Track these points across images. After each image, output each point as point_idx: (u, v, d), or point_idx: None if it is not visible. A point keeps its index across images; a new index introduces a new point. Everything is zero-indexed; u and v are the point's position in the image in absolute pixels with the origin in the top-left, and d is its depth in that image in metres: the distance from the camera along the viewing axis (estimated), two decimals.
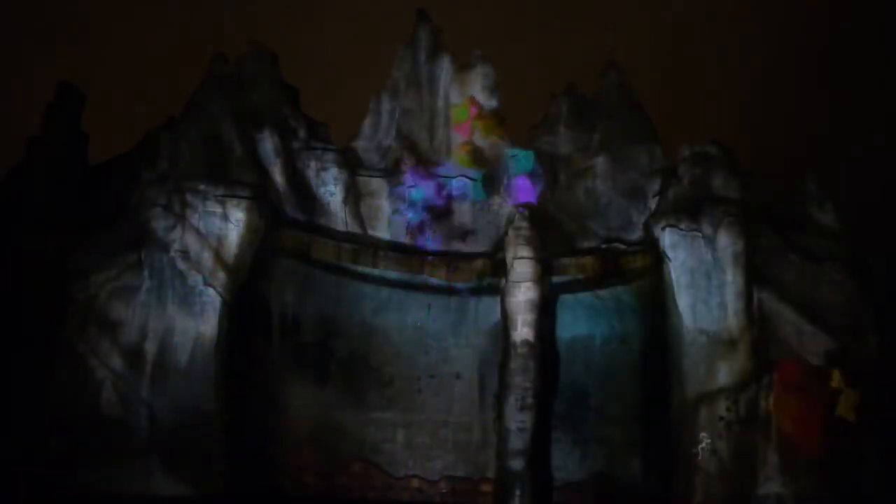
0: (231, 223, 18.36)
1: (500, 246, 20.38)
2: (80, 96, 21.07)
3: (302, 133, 21.04)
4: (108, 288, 17.61)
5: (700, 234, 18.61)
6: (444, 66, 22.62)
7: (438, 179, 21.42)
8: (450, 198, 21.27)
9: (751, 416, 17.12)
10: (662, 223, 19.22)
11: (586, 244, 20.92)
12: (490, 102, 22.35)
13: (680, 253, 18.69)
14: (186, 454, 16.88)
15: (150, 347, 17.40)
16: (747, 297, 18.08)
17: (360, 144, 21.95)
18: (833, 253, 18.80)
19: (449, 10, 28.10)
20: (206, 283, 17.83)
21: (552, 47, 45.24)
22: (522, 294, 19.13)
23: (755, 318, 18.02)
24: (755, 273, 18.22)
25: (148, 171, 19.37)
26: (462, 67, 22.72)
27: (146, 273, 17.77)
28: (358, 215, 20.89)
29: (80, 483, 16.07)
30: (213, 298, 17.82)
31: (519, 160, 21.01)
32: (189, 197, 18.41)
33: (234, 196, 18.51)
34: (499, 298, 19.90)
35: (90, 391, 16.88)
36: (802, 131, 39.45)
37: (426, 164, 21.59)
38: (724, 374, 17.68)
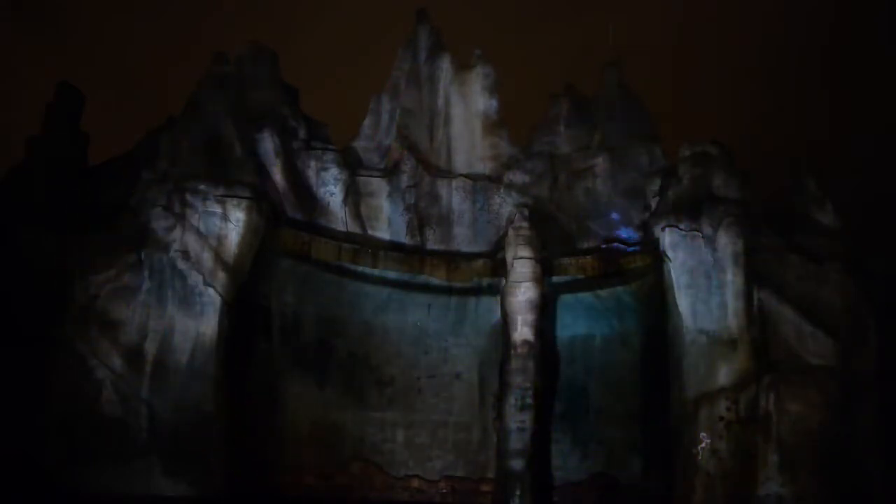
0: (231, 223, 18.33)
1: (500, 246, 20.39)
2: (79, 96, 21.06)
3: (302, 133, 21.03)
4: (108, 288, 17.56)
5: (700, 234, 18.56)
6: (444, 66, 22.64)
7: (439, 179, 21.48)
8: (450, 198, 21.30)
9: (751, 416, 17.10)
10: (662, 223, 19.19)
11: (586, 244, 20.92)
12: (490, 102, 22.38)
13: (680, 253, 18.66)
14: (186, 454, 16.85)
15: (150, 347, 17.37)
16: (747, 297, 18.03)
17: (360, 144, 21.96)
18: (833, 253, 18.75)
19: (449, 10, 28.10)
20: (206, 283, 17.80)
21: (552, 46, 45.26)
22: (522, 294, 19.13)
23: (755, 318, 17.95)
24: (755, 273, 18.17)
25: (148, 171, 19.34)
26: (462, 67, 22.74)
27: (146, 273, 17.74)
28: (358, 215, 20.88)
29: (80, 483, 16.04)
30: (213, 298, 17.79)
31: None
32: (189, 197, 18.39)
33: (234, 196, 18.49)
34: (499, 298, 19.91)
35: (90, 391, 16.84)
36: (802, 131, 39.45)
37: (426, 164, 21.60)
38: (724, 374, 17.63)
